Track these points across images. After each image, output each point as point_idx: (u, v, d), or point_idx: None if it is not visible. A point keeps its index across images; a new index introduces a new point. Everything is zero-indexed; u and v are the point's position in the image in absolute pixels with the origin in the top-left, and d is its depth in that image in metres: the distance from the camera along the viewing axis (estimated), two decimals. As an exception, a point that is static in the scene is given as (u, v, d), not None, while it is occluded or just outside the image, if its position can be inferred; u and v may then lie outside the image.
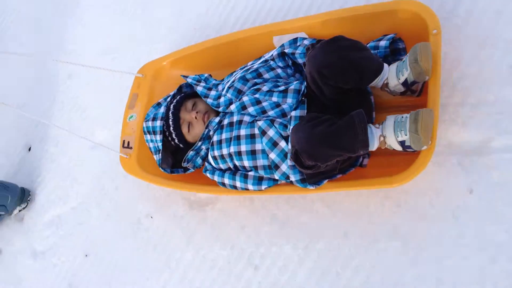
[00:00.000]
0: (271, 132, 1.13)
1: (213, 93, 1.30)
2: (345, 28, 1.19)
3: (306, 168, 1.06)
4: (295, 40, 1.25)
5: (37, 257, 1.61)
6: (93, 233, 1.54)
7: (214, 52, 1.37)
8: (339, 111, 1.06)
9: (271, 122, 1.14)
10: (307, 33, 1.25)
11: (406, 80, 1.05)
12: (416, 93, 1.08)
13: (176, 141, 1.33)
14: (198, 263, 1.33)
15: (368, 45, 1.16)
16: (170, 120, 1.31)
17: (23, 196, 1.71)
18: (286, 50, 1.22)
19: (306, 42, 1.22)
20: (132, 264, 1.42)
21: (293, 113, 1.14)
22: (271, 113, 1.17)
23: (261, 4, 1.50)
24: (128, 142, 1.45)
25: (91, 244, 1.53)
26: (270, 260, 1.23)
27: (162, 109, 1.34)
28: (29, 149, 1.83)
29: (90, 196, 1.59)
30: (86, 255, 1.53)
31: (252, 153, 1.17)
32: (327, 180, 1.13)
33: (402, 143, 1.02)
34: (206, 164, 1.28)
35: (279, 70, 1.26)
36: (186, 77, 1.35)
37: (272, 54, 1.25)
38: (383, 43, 1.17)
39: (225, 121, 1.23)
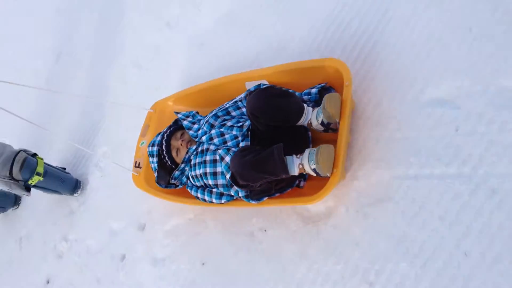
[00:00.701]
0: (227, 158, 1.47)
1: (195, 126, 1.70)
2: (291, 77, 1.59)
3: (241, 186, 1.40)
4: (259, 85, 1.58)
5: (157, 264, 1.73)
6: (209, 243, 1.63)
7: (203, 93, 1.84)
8: (274, 143, 1.36)
9: (228, 150, 1.50)
10: (268, 80, 1.64)
11: (322, 121, 1.38)
12: (336, 131, 1.39)
13: (169, 163, 1.72)
14: (312, 277, 1.36)
15: (304, 92, 1.53)
16: (164, 146, 1.72)
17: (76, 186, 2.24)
18: None
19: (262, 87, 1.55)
20: (246, 275, 1.48)
21: (240, 144, 1.51)
22: (229, 143, 1.54)
23: (237, 57, 1.96)
24: (139, 163, 1.89)
25: (207, 253, 1.62)
26: (385, 277, 1.21)
27: (159, 138, 1.75)
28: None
29: (206, 209, 1.69)
30: (203, 264, 1.61)
31: (214, 174, 1.52)
32: (267, 197, 1.46)
33: (314, 170, 1.31)
34: (188, 181, 1.66)
35: (243, 109, 1.61)
36: (178, 113, 1.77)
37: (241, 96, 1.61)
38: (314, 90, 1.51)
39: (199, 149, 1.61)
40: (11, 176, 2.01)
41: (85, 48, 2.73)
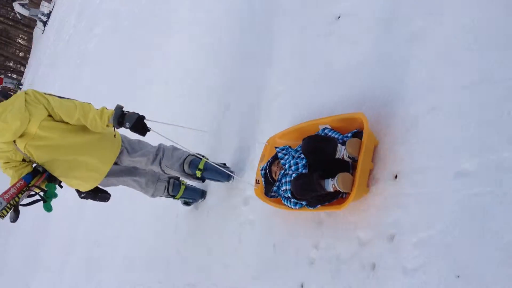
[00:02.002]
0: None
1: (286, 157, 2.61)
2: (341, 123, 2.45)
3: (297, 199, 2.36)
4: (323, 129, 2.50)
5: (409, 274, 1.79)
6: (461, 256, 1.62)
7: (297, 132, 2.75)
8: (323, 171, 2.27)
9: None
10: (330, 125, 2.50)
11: (348, 156, 2.23)
12: None
13: (271, 181, 2.70)
14: None
15: (345, 135, 2.38)
16: (267, 170, 2.71)
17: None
18: None
19: (326, 130, 2.48)
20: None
21: (301, 171, 2.44)
22: (299, 170, 2.43)
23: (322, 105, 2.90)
24: (258, 180, 2.83)
25: (461, 266, 1.61)
26: None
27: (266, 164, 2.74)
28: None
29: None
30: (458, 276, 1.62)
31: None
32: (320, 205, 2.34)
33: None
34: (281, 193, 2.53)
35: None
36: (277, 147, 2.72)
37: None
38: (349, 134, 2.36)
39: (285, 172, 2.52)
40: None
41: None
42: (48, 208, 2.82)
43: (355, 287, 2.10)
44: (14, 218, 2.73)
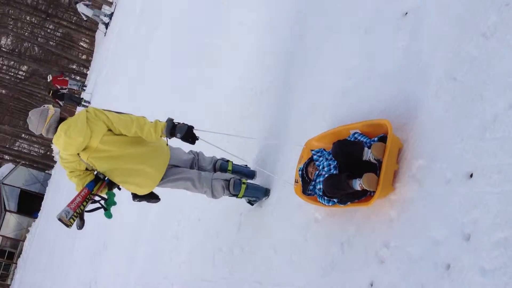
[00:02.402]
0: None
1: (320, 159, 2.86)
2: (370, 128, 2.72)
3: (328, 197, 2.66)
4: (354, 133, 2.75)
5: (486, 275, 1.76)
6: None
7: (332, 136, 2.94)
8: (353, 171, 2.55)
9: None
10: (360, 130, 2.74)
11: (374, 158, 2.49)
12: None
13: (308, 180, 2.95)
14: None
15: (373, 139, 2.63)
16: (304, 170, 2.96)
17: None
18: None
19: (356, 134, 2.73)
20: None
21: (333, 172, 2.72)
22: (331, 171, 2.72)
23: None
24: (297, 180, 3.11)
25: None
26: None
27: (303, 165, 2.99)
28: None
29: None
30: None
31: None
32: (349, 202, 2.62)
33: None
34: (317, 191, 2.80)
35: None
36: (312, 150, 2.98)
37: None
38: (376, 138, 2.62)
39: (319, 173, 2.80)
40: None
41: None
42: (109, 215, 3.26)
43: (428, 287, 2.09)
44: (80, 226, 3.13)
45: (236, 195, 3.60)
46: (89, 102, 18.02)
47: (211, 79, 6.18)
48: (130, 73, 11.99)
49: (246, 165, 3.88)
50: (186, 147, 3.59)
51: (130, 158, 3.22)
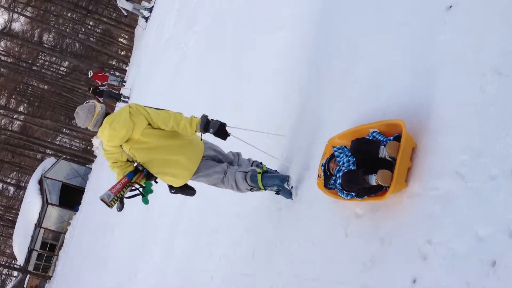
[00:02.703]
0: None
1: (341, 155, 3.07)
2: (387, 128, 2.91)
3: (346, 191, 2.89)
4: (372, 132, 2.94)
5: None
6: None
7: (353, 134, 3.12)
8: (369, 168, 2.75)
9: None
10: (378, 129, 2.93)
11: (389, 156, 2.69)
12: None
13: (329, 175, 3.17)
14: None
15: (389, 137, 2.83)
16: (326, 166, 3.19)
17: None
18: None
19: (374, 133, 2.93)
20: None
21: (351, 168, 2.96)
22: (350, 167, 2.96)
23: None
24: (320, 175, 3.29)
25: None
26: None
27: (326, 161, 3.21)
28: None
29: None
30: None
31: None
32: (366, 196, 2.83)
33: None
34: (337, 186, 2.98)
35: None
36: (334, 147, 3.18)
37: None
38: (391, 138, 2.81)
39: (340, 168, 3.03)
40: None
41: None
42: (146, 201, 3.65)
43: (473, 284, 2.08)
44: (120, 208, 3.53)
45: (255, 187, 3.72)
46: (128, 98, 18.42)
47: (248, 74, 6.24)
48: (169, 68, 12.19)
49: (277, 170, 4.06)
50: (224, 146, 3.89)
51: (167, 149, 3.52)
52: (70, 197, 25.94)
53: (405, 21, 3.34)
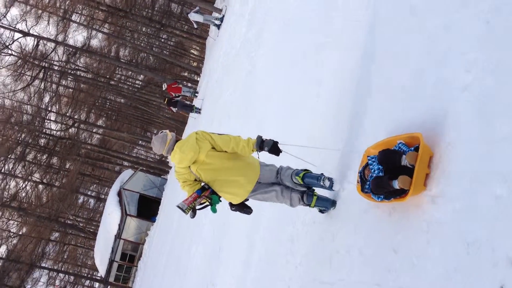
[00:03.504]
0: None
1: (373, 164, 3.58)
2: (409, 140, 3.39)
3: (375, 194, 3.47)
4: (399, 143, 3.43)
5: None
6: None
7: (384, 144, 3.64)
8: (394, 174, 3.25)
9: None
10: (404, 141, 3.41)
11: (409, 164, 3.20)
12: None
13: (365, 180, 3.67)
14: None
15: (410, 148, 3.32)
16: (362, 172, 3.69)
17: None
18: None
19: (400, 144, 3.41)
20: None
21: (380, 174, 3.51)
22: (379, 174, 3.52)
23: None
24: (358, 181, 3.77)
25: None
26: None
27: (361, 168, 3.73)
28: None
29: None
30: None
31: None
32: (393, 198, 3.35)
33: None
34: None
35: None
36: (368, 156, 3.68)
37: None
38: (412, 148, 3.30)
39: (371, 175, 3.62)
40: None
41: None
42: (214, 210, 4.25)
43: None
44: (192, 216, 4.23)
45: (309, 205, 4.39)
46: (200, 109, 19.04)
47: (318, 80, 6.29)
48: (240, 77, 12.48)
49: (322, 173, 4.45)
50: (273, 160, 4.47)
51: (228, 170, 4.13)
52: (148, 208, 27.08)
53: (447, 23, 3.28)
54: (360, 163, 3.84)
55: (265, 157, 4.40)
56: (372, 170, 3.57)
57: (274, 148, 4.10)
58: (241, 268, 6.79)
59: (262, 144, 4.07)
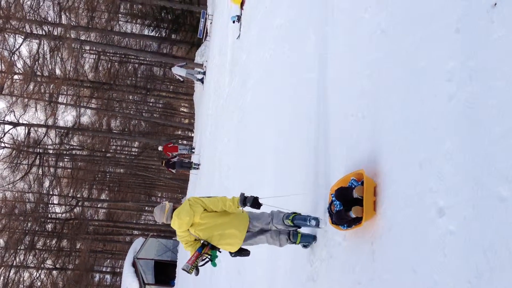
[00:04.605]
0: None
1: (335, 200, 4.31)
2: (358, 175, 4.22)
3: (341, 224, 4.19)
4: (352, 179, 4.26)
5: None
6: None
7: (342, 182, 4.44)
8: (350, 206, 4.03)
9: None
10: (355, 177, 4.26)
11: (359, 195, 3.98)
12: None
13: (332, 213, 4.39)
14: None
15: (359, 183, 4.13)
16: (329, 208, 4.41)
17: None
18: None
19: (352, 180, 4.25)
20: None
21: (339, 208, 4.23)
22: (339, 208, 4.20)
23: None
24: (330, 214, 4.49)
25: None
26: None
27: (328, 205, 4.46)
28: None
29: None
30: None
31: None
32: (353, 225, 4.09)
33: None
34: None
35: None
36: (332, 194, 4.36)
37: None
38: (360, 183, 4.10)
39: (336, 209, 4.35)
40: None
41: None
42: (214, 265, 5.00)
43: None
44: (196, 273, 4.83)
45: (294, 242, 5.13)
46: (199, 164, 19.09)
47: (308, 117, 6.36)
48: (233, 125, 12.58)
49: (309, 216, 5.18)
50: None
51: (220, 226, 4.85)
52: (165, 273, 26.66)
53: (455, 25, 3.35)
54: (328, 201, 4.55)
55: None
56: (336, 205, 4.22)
57: (254, 203, 4.83)
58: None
59: (245, 200, 4.81)
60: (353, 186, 4.09)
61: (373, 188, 3.97)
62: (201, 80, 22.29)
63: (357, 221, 3.99)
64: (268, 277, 6.87)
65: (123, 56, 35.50)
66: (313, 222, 4.93)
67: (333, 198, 4.24)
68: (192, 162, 19.49)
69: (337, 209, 4.17)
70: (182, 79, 23.74)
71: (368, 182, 3.97)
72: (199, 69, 23.11)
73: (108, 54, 34.93)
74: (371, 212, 3.91)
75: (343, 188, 4.19)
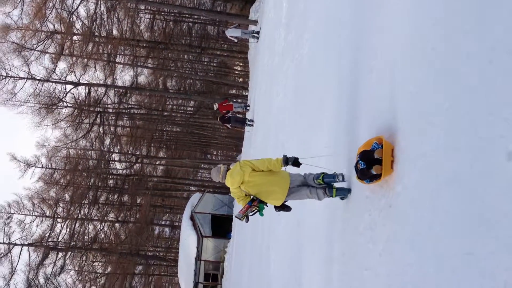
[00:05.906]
0: None
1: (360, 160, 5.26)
2: (379, 140, 4.96)
3: (364, 179, 5.05)
4: (375, 143, 5.06)
5: None
6: None
7: (366, 145, 5.25)
8: (372, 165, 4.89)
9: None
10: (377, 141, 5.00)
11: (379, 156, 4.81)
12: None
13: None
14: None
15: (379, 145, 4.93)
16: (356, 166, 5.25)
17: None
18: None
19: (374, 144, 5.01)
20: None
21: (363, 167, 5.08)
22: (363, 166, 5.05)
23: None
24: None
25: None
26: None
27: (355, 164, 5.31)
28: None
29: None
30: None
31: None
32: (374, 180, 4.95)
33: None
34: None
35: None
36: (358, 154, 5.22)
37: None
38: (380, 145, 4.90)
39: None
40: None
41: None
42: (262, 214, 5.85)
43: None
44: (247, 221, 5.86)
45: (331, 196, 5.81)
46: (253, 121, 19.23)
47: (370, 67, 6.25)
48: (288, 81, 12.53)
49: (342, 173, 5.87)
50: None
51: (266, 184, 5.68)
52: (221, 227, 27.50)
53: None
54: (354, 160, 5.29)
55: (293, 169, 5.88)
56: (360, 164, 4.98)
57: (295, 163, 5.68)
58: (324, 264, 6.74)
59: (287, 160, 5.61)
60: (375, 148, 4.88)
61: (390, 150, 4.69)
62: (257, 38, 22.17)
63: (378, 177, 4.82)
64: (326, 225, 6.97)
65: (177, 15, 35.70)
66: (340, 177, 5.69)
67: (359, 159, 5.00)
68: (246, 118, 19.64)
69: (362, 167, 4.95)
70: (236, 40, 23.69)
71: (386, 145, 4.72)
72: (254, 27, 22.94)
73: (162, 13, 35.23)
74: (389, 170, 4.70)
75: (366, 151, 4.96)
